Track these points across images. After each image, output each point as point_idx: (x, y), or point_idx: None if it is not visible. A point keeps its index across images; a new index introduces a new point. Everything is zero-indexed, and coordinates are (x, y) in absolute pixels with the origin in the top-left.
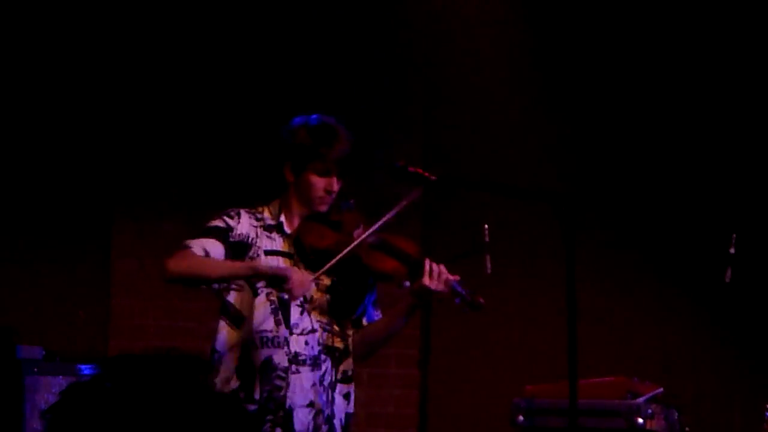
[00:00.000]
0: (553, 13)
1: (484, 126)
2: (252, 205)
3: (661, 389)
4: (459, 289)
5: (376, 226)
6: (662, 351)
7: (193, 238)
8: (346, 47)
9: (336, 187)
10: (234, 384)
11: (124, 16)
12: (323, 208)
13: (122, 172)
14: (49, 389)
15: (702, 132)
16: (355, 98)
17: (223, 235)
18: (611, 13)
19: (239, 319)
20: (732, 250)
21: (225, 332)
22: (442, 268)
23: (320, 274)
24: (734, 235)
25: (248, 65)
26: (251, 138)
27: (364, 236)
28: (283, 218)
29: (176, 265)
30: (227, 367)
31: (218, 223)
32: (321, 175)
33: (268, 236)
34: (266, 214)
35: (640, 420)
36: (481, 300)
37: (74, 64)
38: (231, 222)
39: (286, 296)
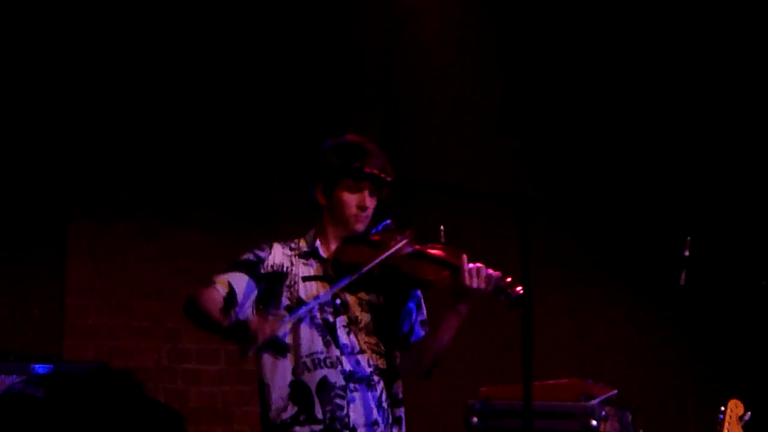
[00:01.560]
0: (516, 13)
1: (441, 126)
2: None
3: (615, 391)
4: (503, 286)
5: (408, 237)
6: (616, 353)
7: (223, 271)
8: (303, 49)
9: (369, 202)
10: (291, 411)
11: (87, 17)
12: (360, 227)
13: (77, 172)
14: (2, 388)
15: (658, 135)
16: (311, 98)
17: (251, 268)
18: (575, 12)
19: (282, 347)
20: (687, 253)
21: (270, 363)
22: (481, 265)
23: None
24: (689, 238)
25: (207, 65)
26: (209, 139)
27: (397, 246)
28: (318, 243)
29: (191, 307)
30: (279, 397)
31: (248, 256)
32: (353, 191)
33: (304, 263)
34: (302, 243)
35: (594, 422)
36: (520, 290)
37: (31, 64)
38: (261, 254)
39: (250, 348)
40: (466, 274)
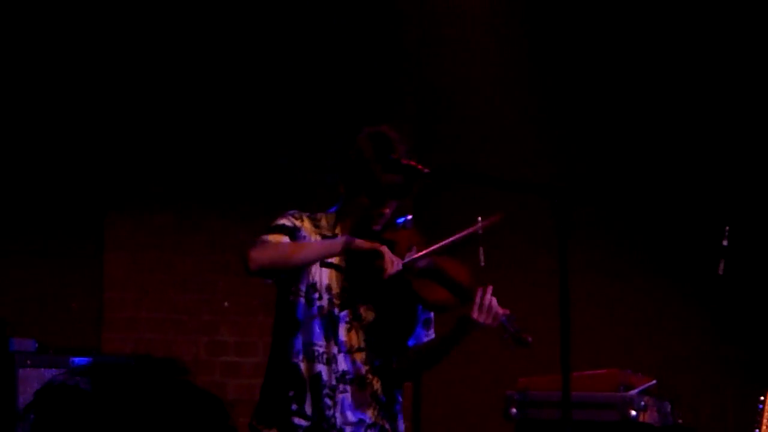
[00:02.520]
0: (548, 6)
1: (477, 118)
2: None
3: (654, 381)
4: (507, 325)
5: (429, 250)
6: (655, 343)
7: (267, 232)
8: (340, 43)
9: (388, 210)
10: (290, 393)
11: (119, 12)
12: (375, 228)
13: (114, 166)
14: (42, 382)
15: (697, 125)
16: (348, 91)
17: (292, 233)
18: (606, 5)
19: (295, 326)
20: (725, 243)
21: (281, 339)
22: (494, 302)
23: (409, 262)
24: (727, 228)
25: (240, 60)
26: (243, 132)
27: (414, 257)
28: (338, 231)
29: (260, 253)
30: (283, 377)
31: (285, 221)
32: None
33: None
34: (323, 223)
35: (633, 412)
36: (529, 339)
37: (66, 60)
38: (297, 222)
39: (376, 273)
40: (476, 308)
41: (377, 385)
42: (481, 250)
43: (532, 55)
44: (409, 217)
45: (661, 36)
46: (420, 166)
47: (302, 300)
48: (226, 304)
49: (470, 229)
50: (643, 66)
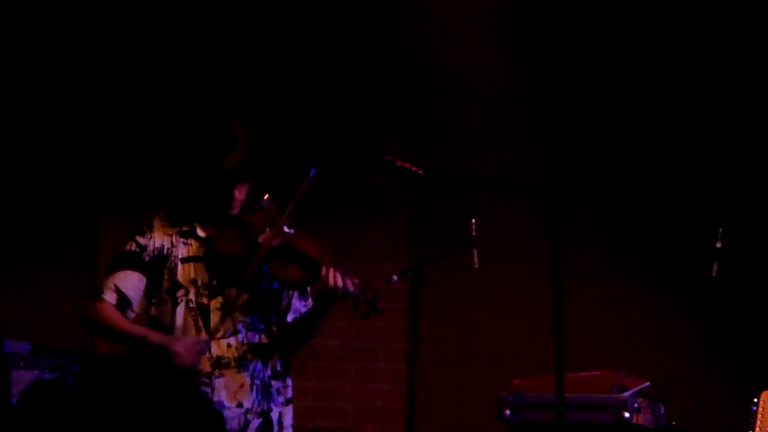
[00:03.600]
0: (544, 6)
1: (472, 120)
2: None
3: (648, 383)
4: (359, 294)
5: (277, 227)
6: (649, 345)
7: (108, 272)
8: (334, 42)
9: (238, 194)
10: None
11: (109, 11)
12: (233, 213)
13: (108, 167)
14: None
15: (690, 128)
16: (343, 93)
17: (135, 260)
18: (603, 6)
19: (165, 330)
20: (718, 245)
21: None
22: (338, 276)
23: (237, 294)
24: (720, 230)
25: (235, 61)
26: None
27: (264, 246)
28: (196, 223)
29: (87, 315)
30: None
31: (129, 247)
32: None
33: (184, 242)
34: (183, 217)
35: (627, 414)
36: (379, 307)
37: (59, 61)
38: (142, 240)
39: (181, 367)
40: (328, 282)
41: (256, 364)
42: (475, 252)
43: (530, 56)
44: (266, 197)
45: (658, 39)
46: (415, 168)
47: (168, 302)
48: None
49: (304, 184)
50: (640, 69)
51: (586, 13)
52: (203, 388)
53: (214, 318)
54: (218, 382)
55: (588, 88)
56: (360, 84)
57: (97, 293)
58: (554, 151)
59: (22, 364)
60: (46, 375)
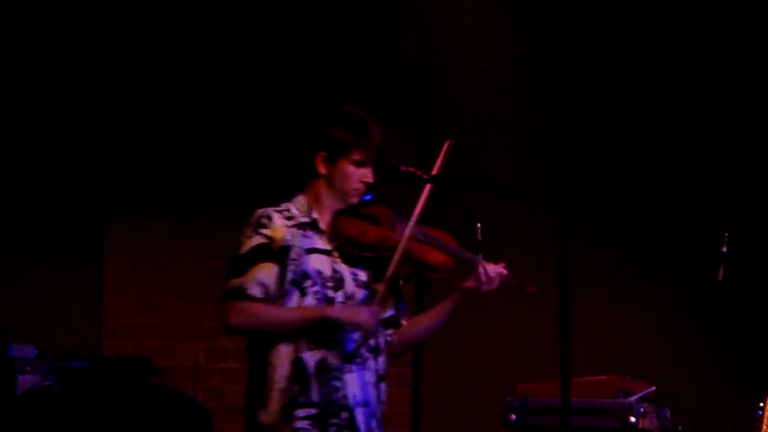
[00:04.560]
0: (546, 8)
1: (476, 124)
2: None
3: (654, 388)
4: (511, 282)
5: (415, 217)
6: (655, 349)
7: (241, 271)
8: (337, 44)
9: (371, 178)
10: (293, 391)
11: (118, 14)
12: (355, 200)
13: (115, 172)
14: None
15: (695, 130)
16: (345, 96)
17: (268, 252)
18: (604, 6)
19: None
20: (724, 249)
21: (269, 339)
22: (492, 267)
23: (386, 286)
24: (726, 234)
25: (240, 63)
26: (244, 136)
27: (410, 230)
28: (315, 214)
29: (237, 320)
30: (282, 376)
31: (258, 240)
32: (358, 165)
33: (303, 234)
34: (294, 212)
35: (633, 419)
36: (532, 289)
37: (67, 65)
38: (268, 232)
39: (360, 340)
40: (482, 274)
41: (371, 364)
42: (480, 256)
43: (536, 58)
44: (372, 193)
45: (663, 40)
46: (419, 172)
47: (294, 293)
48: None
49: (425, 193)
50: (644, 72)
51: (592, 13)
52: (334, 382)
53: None
54: (348, 378)
55: (594, 91)
56: (362, 87)
57: (236, 293)
58: (560, 154)
59: (28, 368)
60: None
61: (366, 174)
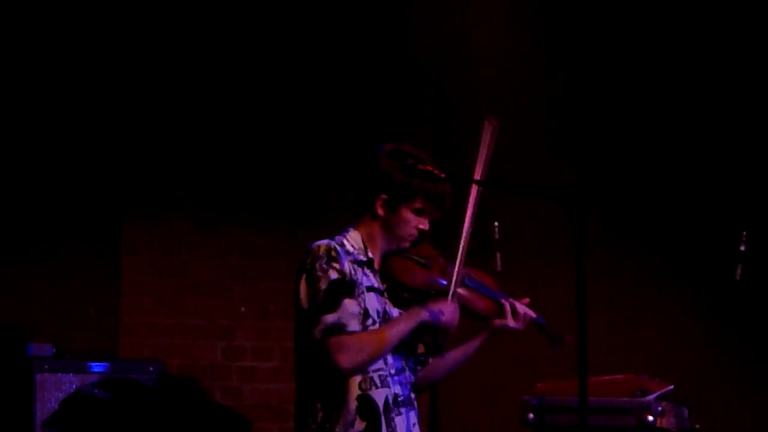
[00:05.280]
0: (566, 10)
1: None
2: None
3: (672, 386)
4: (545, 325)
5: (461, 261)
6: (672, 348)
7: (332, 306)
8: (356, 49)
9: (428, 226)
10: (359, 426)
11: (140, 16)
12: (407, 245)
13: (132, 171)
14: (59, 387)
15: (713, 129)
16: (364, 96)
17: (346, 287)
18: (625, 10)
19: None
20: (742, 248)
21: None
22: (525, 306)
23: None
24: (745, 233)
25: (258, 65)
26: (262, 136)
27: (457, 272)
28: (371, 254)
29: (351, 361)
30: (348, 410)
31: (334, 275)
32: (417, 214)
33: (362, 272)
34: (349, 248)
35: (651, 417)
36: (567, 337)
37: (85, 64)
38: (338, 266)
39: (442, 330)
40: (509, 316)
41: (413, 403)
42: (498, 255)
43: (551, 59)
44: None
45: (683, 39)
46: (437, 171)
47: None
48: (243, 309)
49: (467, 228)
50: (663, 70)
51: (612, 11)
52: (394, 422)
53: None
54: (398, 420)
55: (611, 90)
56: (380, 88)
57: (337, 328)
58: (577, 152)
59: (46, 367)
60: (83, 387)
61: (423, 222)
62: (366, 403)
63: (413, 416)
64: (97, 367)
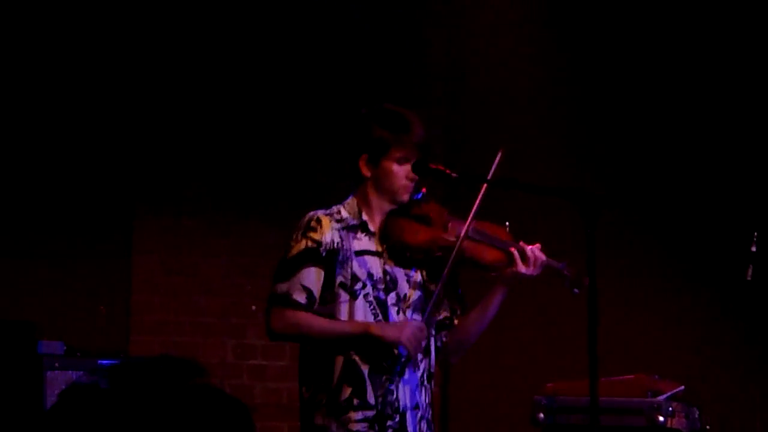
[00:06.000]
0: (578, 10)
1: (506, 122)
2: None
3: (682, 387)
4: (557, 267)
5: (471, 217)
6: (683, 349)
7: (288, 275)
8: (366, 44)
9: (416, 178)
10: (345, 393)
11: (151, 14)
12: (405, 198)
13: (143, 168)
14: (69, 384)
15: (726, 130)
16: (376, 96)
17: (314, 256)
18: (638, 9)
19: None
20: (754, 248)
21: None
22: (536, 250)
23: (440, 289)
24: (756, 234)
25: (269, 64)
26: (273, 134)
27: (465, 230)
28: (365, 217)
29: (280, 327)
30: (335, 377)
31: (305, 244)
32: (401, 162)
33: (354, 237)
34: (345, 214)
35: (661, 418)
36: (586, 279)
37: (96, 62)
38: (316, 236)
39: (405, 355)
40: (519, 261)
41: (424, 365)
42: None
43: (563, 58)
44: (423, 190)
45: (694, 43)
46: (448, 170)
47: (344, 296)
48: (253, 307)
49: (481, 192)
50: (678, 70)
51: (625, 12)
52: (389, 385)
53: (392, 314)
54: (402, 380)
55: (624, 90)
56: (392, 88)
57: (281, 299)
58: (589, 152)
59: (56, 364)
60: (83, 378)
61: (410, 170)
62: (352, 368)
63: (417, 377)
64: (108, 364)
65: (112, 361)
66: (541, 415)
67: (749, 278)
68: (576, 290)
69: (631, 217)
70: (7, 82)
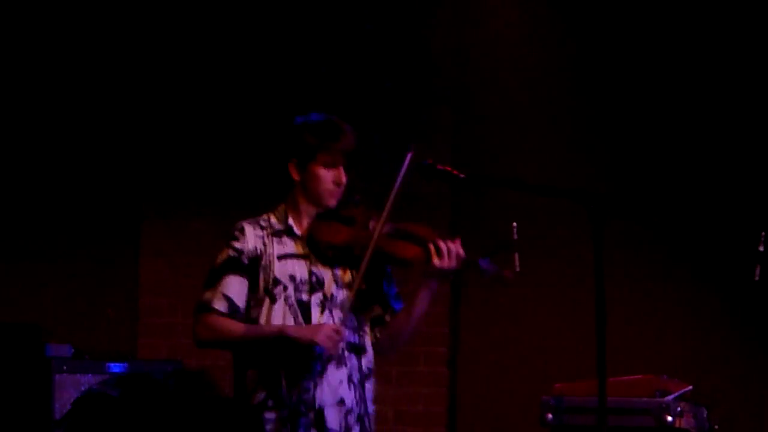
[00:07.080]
0: (585, 11)
1: (513, 124)
2: (256, 213)
3: (690, 387)
4: (474, 261)
5: (386, 212)
6: (691, 349)
7: (211, 284)
8: (375, 45)
9: (344, 178)
10: (260, 396)
11: (156, 17)
12: (332, 203)
13: (150, 171)
14: (77, 387)
15: (733, 130)
16: (384, 97)
17: (237, 265)
18: (645, 11)
19: None
20: (761, 248)
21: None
22: (454, 244)
23: (355, 290)
24: (764, 234)
25: (275, 66)
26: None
27: (380, 226)
28: (291, 221)
29: (203, 334)
30: (251, 380)
31: (229, 254)
32: (328, 167)
33: (278, 242)
34: (273, 221)
35: (670, 418)
36: (507, 274)
37: (103, 65)
38: (238, 245)
39: (326, 355)
40: (434, 256)
41: (353, 362)
42: (516, 256)
43: (570, 60)
44: (358, 197)
45: (701, 42)
46: (455, 172)
47: (265, 303)
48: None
49: (400, 178)
50: (682, 70)
51: (632, 11)
52: (305, 383)
53: (315, 314)
54: (321, 378)
55: (631, 90)
56: (399, 87)
57: (204, 307)
58: (595, 153)
59: (64, 367)
60: (94, 385)
61: (337, 175)
62: (268, 371)
63: (342, 374)
64: (116, 367)
65: (120, 364)
66: (550, 415)
67: (757, 278)
68: (503, 284)
69: (639, 218)
70: (16, 85)
